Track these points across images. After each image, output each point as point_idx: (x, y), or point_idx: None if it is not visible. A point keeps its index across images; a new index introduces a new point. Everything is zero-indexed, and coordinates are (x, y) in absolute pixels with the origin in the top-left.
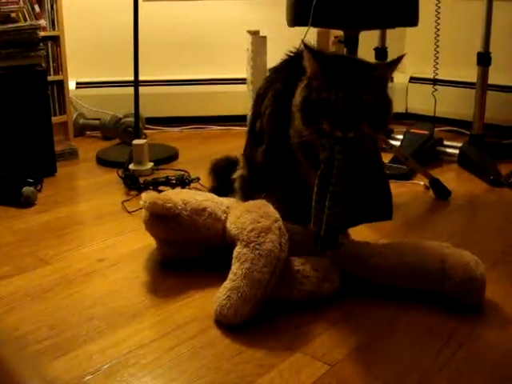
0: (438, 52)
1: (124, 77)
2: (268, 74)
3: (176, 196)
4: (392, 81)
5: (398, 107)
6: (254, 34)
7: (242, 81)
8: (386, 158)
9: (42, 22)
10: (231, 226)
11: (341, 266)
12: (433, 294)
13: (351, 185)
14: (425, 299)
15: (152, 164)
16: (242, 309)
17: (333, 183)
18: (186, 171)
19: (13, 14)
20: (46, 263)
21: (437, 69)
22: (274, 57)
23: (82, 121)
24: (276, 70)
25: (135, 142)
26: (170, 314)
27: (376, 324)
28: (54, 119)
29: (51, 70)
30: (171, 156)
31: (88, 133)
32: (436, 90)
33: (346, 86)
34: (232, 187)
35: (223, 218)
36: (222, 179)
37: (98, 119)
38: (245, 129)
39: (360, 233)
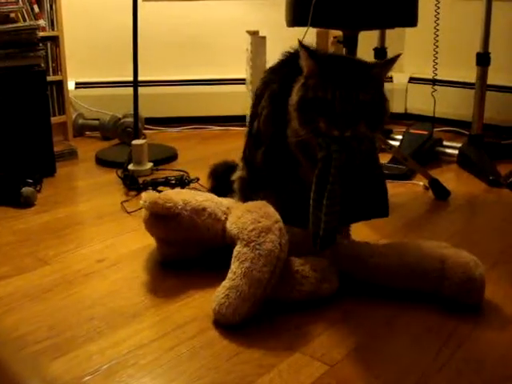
0: (437, 52)
1: (123, 77)
2: (264, 74)
3: (176, 196)
4: (391, 81)
5: (397, 107)
6: (254, 34)
7: (242, 81)
8: (386, 158)
9: (42, 23)
10: (232, 225)
11: (341, 266)
12: (432, 294)
13: (349, 184)
14: (424, 299)
15: (151, 164)
16: (240, 308)
17: (330, 182)
18: (185, 171)
19: (12, 15)
20: (45, 263)
21: (436, 69)
22: (274, 57)
23: (81, 121)
24: (272, 71)
25: (134, 142)
26: (170, 314)
27: (375, 324)
28: (54, 119)
29: (50, 70)
30: (170, 156)
31: (87, 133)
32: (435, 90)
33: (343, 84)
34: (231, 189)
35: (223, 218)
36: (220, 184)
37: (98, 119)
38: (244, 129)
39: (360, 233)
